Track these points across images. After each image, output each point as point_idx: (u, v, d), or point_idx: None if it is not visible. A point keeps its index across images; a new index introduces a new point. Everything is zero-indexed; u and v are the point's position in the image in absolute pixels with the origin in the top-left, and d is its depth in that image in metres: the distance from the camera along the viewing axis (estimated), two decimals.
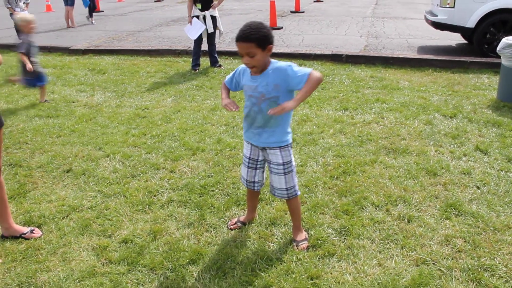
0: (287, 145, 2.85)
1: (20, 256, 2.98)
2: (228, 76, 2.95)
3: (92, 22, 14.63)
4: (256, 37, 2.55)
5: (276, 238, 3.08)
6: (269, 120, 2.73)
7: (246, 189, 3.20)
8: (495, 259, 2.80)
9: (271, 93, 2.66)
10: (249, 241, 3.06)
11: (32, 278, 2.76)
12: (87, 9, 14.78)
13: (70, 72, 8.21)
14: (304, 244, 2.97)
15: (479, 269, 2.71)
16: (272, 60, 2.72)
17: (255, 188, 3.08)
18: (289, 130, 2.85)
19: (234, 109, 2.73)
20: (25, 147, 4.78)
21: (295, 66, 2.63)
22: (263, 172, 3.06)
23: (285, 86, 2.64)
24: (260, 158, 2.96)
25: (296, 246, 2.96)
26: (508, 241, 2.97)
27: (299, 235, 3.03)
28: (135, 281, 2.72)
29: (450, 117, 5.27)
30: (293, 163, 2.92)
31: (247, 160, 3.00)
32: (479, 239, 3.00)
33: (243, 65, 2.81)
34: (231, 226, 3.21)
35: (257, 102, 2.72)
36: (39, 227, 3.30)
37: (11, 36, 11.50)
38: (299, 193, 3.00)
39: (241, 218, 3.27)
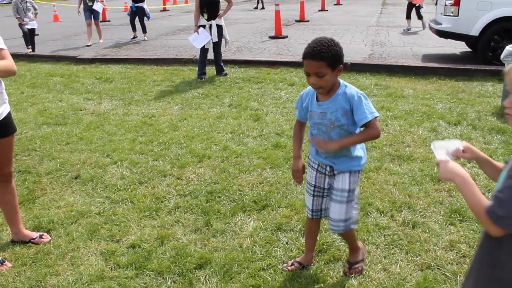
0: (358, 171, 2.58)
1: (30, 260, 3.03)
2: (297, 111, 2.67)
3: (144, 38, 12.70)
4: (328, 56, 2.26)
5: (282, 243, 3.12)
6: (340, 150, 2.45)
7: (306, 224, 2.90)
8: None
9: (340, 121, 2.40)
10: (255, 246, 3.09)
11: (42, 281, 2.81)
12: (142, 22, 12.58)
13: (78, 80, 8.31)
14: (358, 268, 2.78)
15: None
16: (342, 81, 2.44)
17: (321, 216, 2.76)
18: (360, 154, 2.56)
19: (297, 183, 2.66)
20: (33, 154, 4.86)
21: (365, 99, 2.38)
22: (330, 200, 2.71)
23: (351, 114, 2.39)
24: (326, 184, 2.64)
25: (348, 269, 2.79)
26: None
27: (353, 255, 2.83)
28: (143, 285, 2.76)
29: (455, 125, 5.30)
30: (357, 192, 2.64)
31: (312, 188, 2.68)
32: None
33: (306, 90, 2.57)
34: (289, 268, 2.85)
35: (326, 131, 2.45)
36: (48, 232, 3.35)
37: (19, 45, 11.65)
38: (353, 226, 2.66)
39: (298, 259, 2.90)
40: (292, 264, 2.87)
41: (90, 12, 12.06)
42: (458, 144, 1.69)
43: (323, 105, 2.44)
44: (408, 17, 12.73)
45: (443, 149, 1.66)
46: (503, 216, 1.38)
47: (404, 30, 12.76)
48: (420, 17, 12.75)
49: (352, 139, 2.40)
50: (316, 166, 2.65)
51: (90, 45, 11.94)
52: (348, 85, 2.43)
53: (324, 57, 2.25)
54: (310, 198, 2.71)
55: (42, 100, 6.99)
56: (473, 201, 1.47)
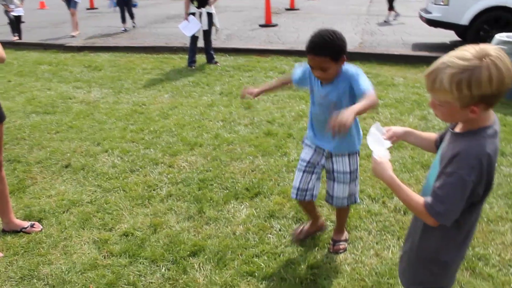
0: (356, 152, 2.68)
1: (22, 249, 3.01)
2: (297, 70, 2.67)
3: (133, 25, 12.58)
4: (332, 51, 2.27)
5: (275, 230, 3.13)
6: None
7: (301, 206, 3.00)
8: (489, 249, 2.87)
9: (341, 102, 2.44)
10: (249, 233, 3.10)
11: (35, 271, 2.79)
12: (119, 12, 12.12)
13: (66, 69, 8.21)
14: (342, 245, 2.90)
15: (474, 259, 2.77)
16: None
17: (306, 197, 2.74)
18: (355, 136, 2.65)
19: (244, 94, 2.77)
20: (23, 143, 4.80)
21: (362, 74, 2.41)
22: (318, 180, 2.78)
23: (350, 91, 2.42)
24: (320, 163, 2.71)
25: (332, 246, 2.90)
26: (501, 232, 3.04)
27: (337, 234, 2.95)
28: (137, 273, 2.76)
29: None
30: (358, 170, 2.75)
31: (304, 163, 2.72)
32: None
33: None
34: (300, 237, 2.94)
35: (327, 110, 2.46)
36: (39, 221, 3.33)
37: (5, 33, 11.45)
38: (358, 200, 2.88)
39: (306, 227, 2.99)
40: (301, 232, 2.98)
41: (68, 1, 11.58)
42: (388, 144, 1.80)
43: (325, 87, 2.49)
44: (391, 8, 12.45)
45: (377, 145, 1.76)
46: (442, 212, 1.50)
47: (393, 19, 12.70)
48: (391, 8, 12.49)
49: (362, 106, 2.21)
50: (314, 146, 2.72)
51: (77, 34, 11.72)
52: (347, 66, 2.44)
53: (327, 53, 2.27)
54: (299, 174, 2.73)
55: (30, 89, 6.90)
56: (410, 204, 1.61)
